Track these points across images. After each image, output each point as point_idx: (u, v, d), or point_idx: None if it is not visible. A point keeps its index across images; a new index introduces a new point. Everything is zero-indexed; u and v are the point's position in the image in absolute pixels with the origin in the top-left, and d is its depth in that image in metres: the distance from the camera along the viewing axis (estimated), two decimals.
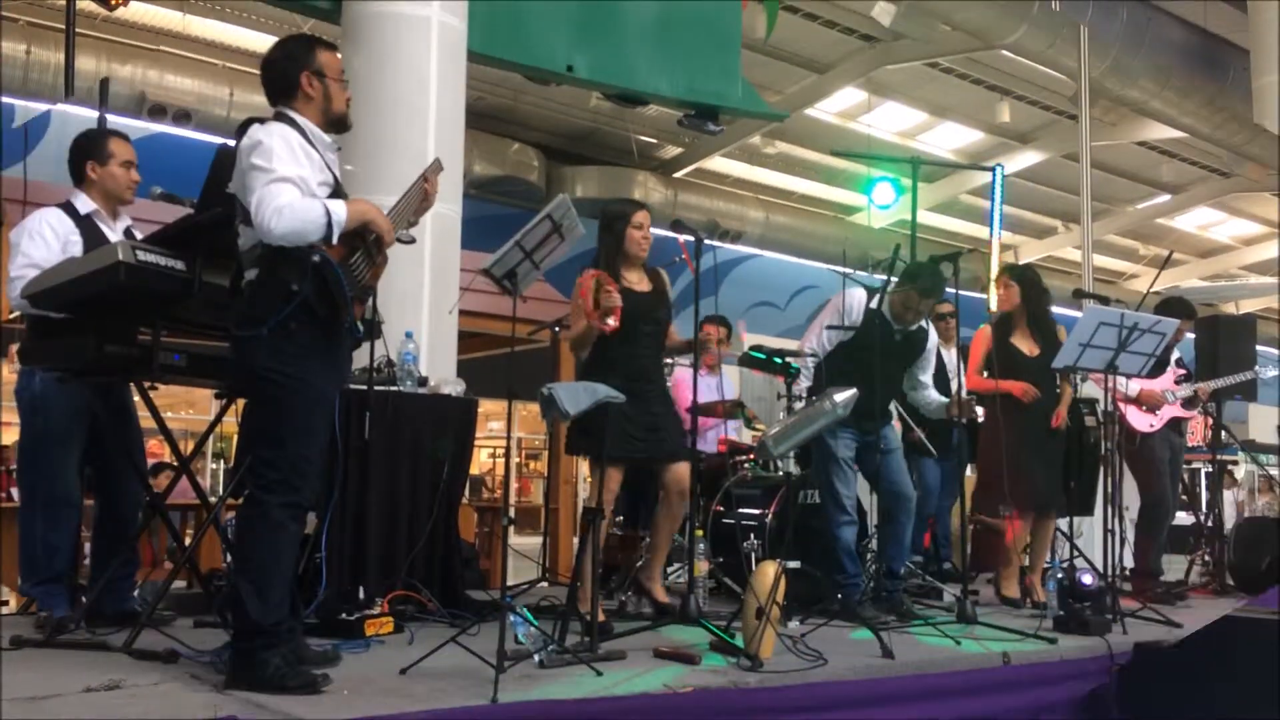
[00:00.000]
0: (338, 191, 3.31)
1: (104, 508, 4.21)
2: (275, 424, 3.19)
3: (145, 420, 4.29)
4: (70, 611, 3.90)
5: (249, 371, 3.21)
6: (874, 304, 5.09)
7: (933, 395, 5.35)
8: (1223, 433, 7.41)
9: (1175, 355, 6.38)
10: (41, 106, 10.51)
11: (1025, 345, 5.57)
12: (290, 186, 3.11)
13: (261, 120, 3.26)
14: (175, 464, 4.91)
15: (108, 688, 2.91)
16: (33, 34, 11.09)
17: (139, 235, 4.00)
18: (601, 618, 4.38)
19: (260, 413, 3.27)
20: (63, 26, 5.06)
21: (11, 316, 5.10)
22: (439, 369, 5.42)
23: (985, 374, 5.55)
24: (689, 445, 4.57)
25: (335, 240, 3.15)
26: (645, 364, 4.56)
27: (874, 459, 5.03)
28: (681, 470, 4.55)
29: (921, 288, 5.00)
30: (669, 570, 5.94)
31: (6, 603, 5.44)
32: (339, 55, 3.43)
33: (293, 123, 3.28)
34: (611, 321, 4.29)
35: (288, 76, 3.32)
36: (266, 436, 3.21)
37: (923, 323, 5.22)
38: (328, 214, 3.12)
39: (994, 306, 5.77)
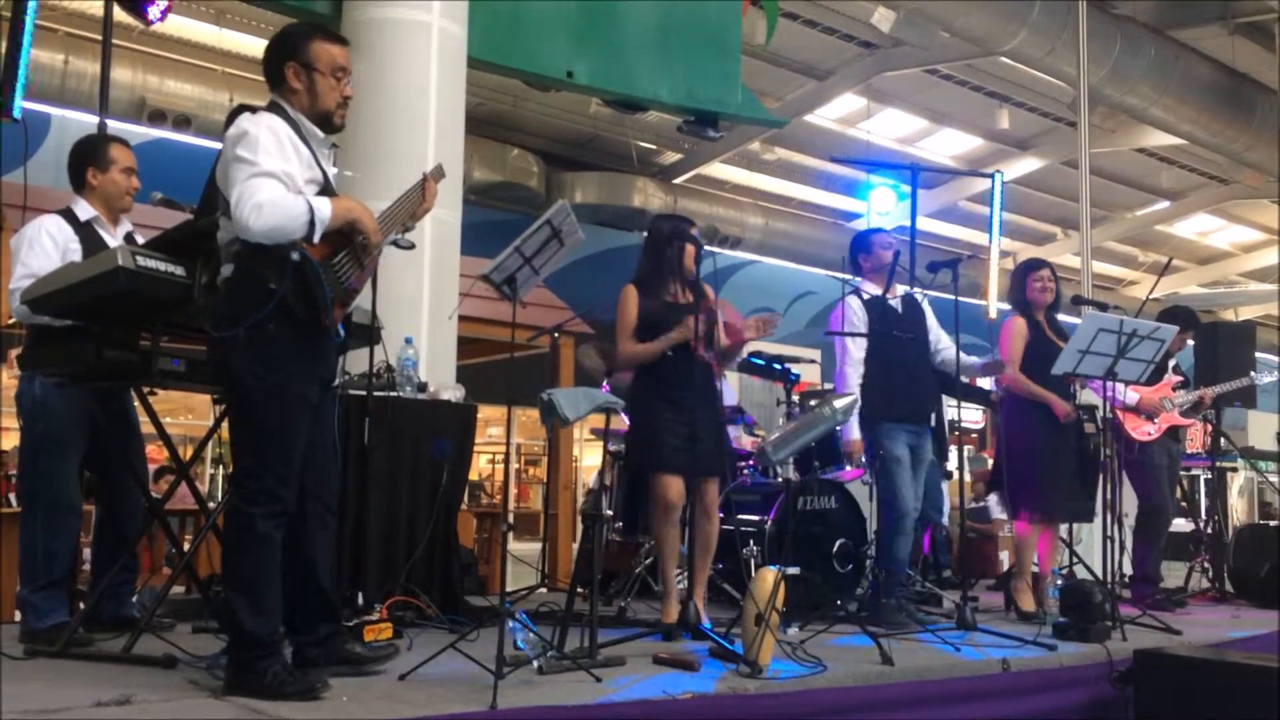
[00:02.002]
0: (326, 190, 3.21)
1: (105, 513, 4.20)
2: (254, 431, 3.11)
3: (144, 425, 4.28)
4: (69, 617, 3.90)
5: (227, 375, 3.12)
6: (864, 296, 5.16)
7: (955, 354, 5.30)
8: (1222, 440, 7.42)
9: (1172, 362, 6.38)
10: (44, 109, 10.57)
11: (1056, 341, 5.56)
12: (273, 182, 3.00)
13: (253, 109, 3.15)
14: (174, 468, 4.91)
15: (118, 702, 2.89)
16: (70, 44, 11.16)
17: (139, 240, 3.99)
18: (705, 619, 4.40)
19: (239, 418, 3.17)
20: (98, 37, 5.07)
21: (10, 322, 5.11)
22: (438, 375, 5.42)
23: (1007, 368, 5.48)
24: (719, 461, 4.50)
25: (317, 239, 3.05)
26: (686, 373, 4.44)
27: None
28: (707, 488, 4.45)
29: (874, 231, 5.36)
30: None
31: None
32: (341, 49, 3.30)
33: (284, 114, 3.18)
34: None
35: (273, 66, 3.24)
36: (246, 444, 3.13)
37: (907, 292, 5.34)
38: (310, 211, 3.02)
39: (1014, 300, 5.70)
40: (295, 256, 3.01)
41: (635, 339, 4.46)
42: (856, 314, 5.12)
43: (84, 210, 4.03)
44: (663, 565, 4.52)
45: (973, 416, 5.78)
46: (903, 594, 5.04)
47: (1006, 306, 5.80)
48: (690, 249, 4.50)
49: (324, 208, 3.05)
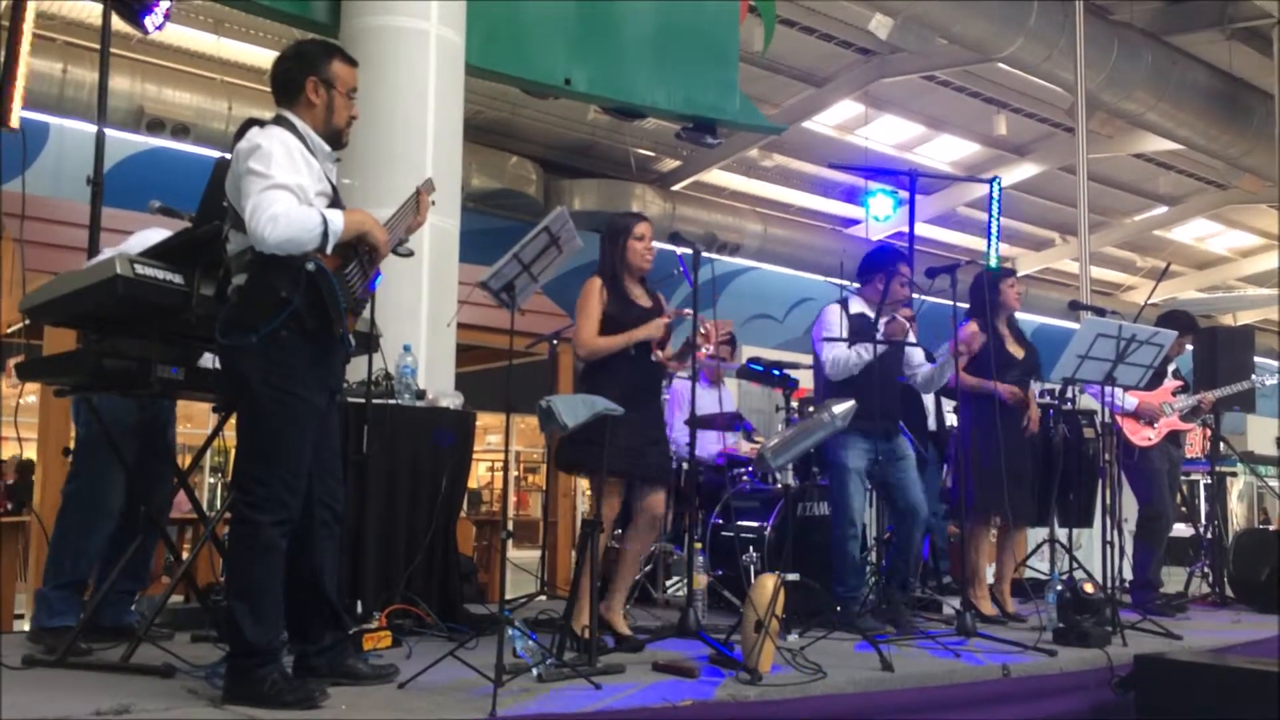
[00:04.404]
0: (335, 202, 3.26)
1: (128, 521, 4.20)
2: (264, 437, 3.12)
3: None
4: (75, 622, 3.91)
5: (236, 382, 3.15)
6: (852, 310, 5.15)
7: (928, 368, 5.32)
8: (1221, 445, 7.41)
9: (1172, 367, 6.38)
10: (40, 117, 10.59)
11: (1012, 347, 5.60)
12: (287, 194, 3.04)
13: (261, 122, 3.20)
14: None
15: (117, 712, 2.89)
16: (69, 53, 11.19)
17: None
18: (627, 631, 4.36)
19: (248, 425, 3.19)
20: (97, 46, 5.10)
21: (10, 331, 5.10)
22: (437, 382, 5.41)
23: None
24: (670, 470, 4.50)
25: (330, 250, 3.10)
26: (646, 378, 4.41)
27: (886, 470, 5.06)
28: (658, 497, 4.40)
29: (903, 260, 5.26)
30: (669, 584, 5.93)
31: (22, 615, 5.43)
32: (354, 71, 3.37)
33: (293, 128, 3.22)
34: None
35: (293, 79, 3.27)
36: (255, 451, 3.14)
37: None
38: (324, 223, 3.07)
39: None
40: (310, 267, 3.07)
41: (597, 333, 4.36)
42: (834, 323, 5.10)
43: None
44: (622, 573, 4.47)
45: None
46: (902, 599, 5.04)
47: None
48: (635, 245, 4.43)
49: (337, 220, 3.11)
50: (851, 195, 17.18)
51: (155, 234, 4.06)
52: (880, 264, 5.23)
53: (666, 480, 4.46)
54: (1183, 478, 7.32)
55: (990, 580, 5.82)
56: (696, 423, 4.53)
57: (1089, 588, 4.79)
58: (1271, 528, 8.91)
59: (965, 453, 5.40)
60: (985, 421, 5.28)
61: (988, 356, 5.27)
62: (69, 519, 4.05)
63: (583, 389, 4.35)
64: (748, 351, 8.54)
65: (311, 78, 3.27)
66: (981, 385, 5.33)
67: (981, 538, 5.63)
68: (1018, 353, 5.60)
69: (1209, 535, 7.31)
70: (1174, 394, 6.32)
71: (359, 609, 4.30)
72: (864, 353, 4.95)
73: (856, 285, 5.32)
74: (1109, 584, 5.03)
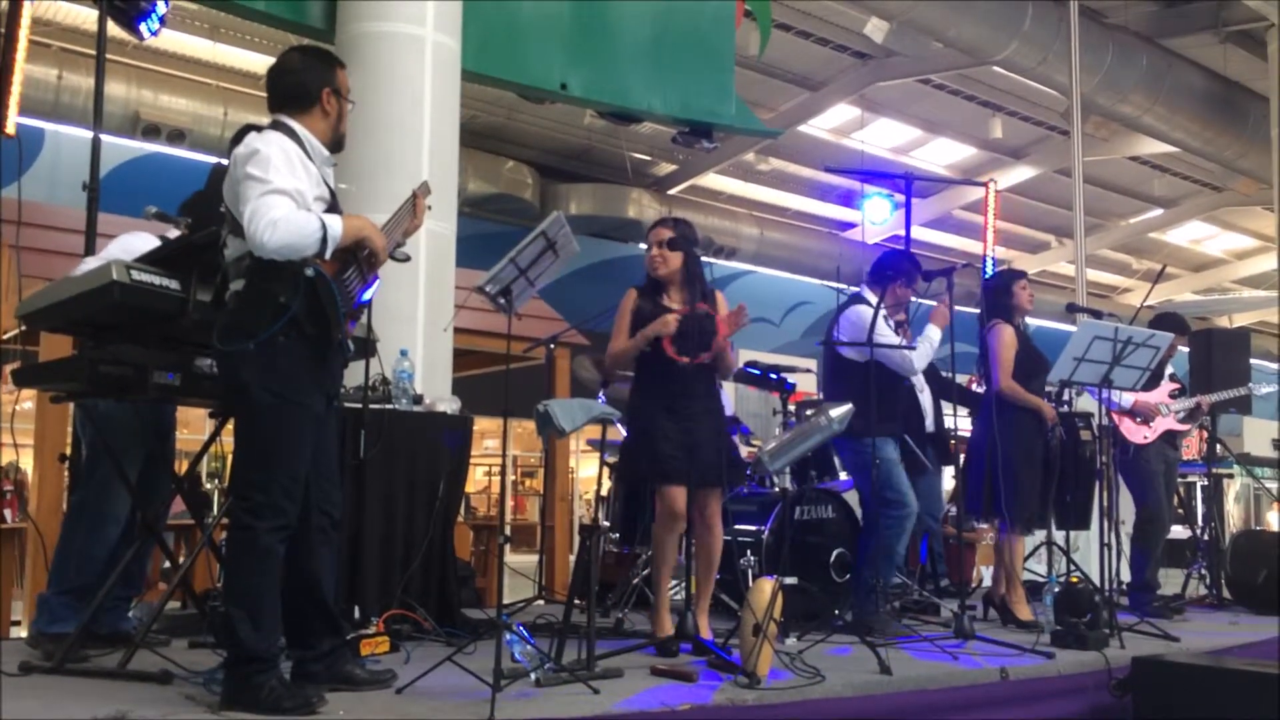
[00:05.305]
0: (333, 207, 3.27)
1: (128, 528, 4.20)
2: (262, 443, 3.12)
3: None
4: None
5: (235, 387, 3.15)
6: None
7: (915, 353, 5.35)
8: (1218, 447, 7.42)
9: (1169, 370, 6.39)
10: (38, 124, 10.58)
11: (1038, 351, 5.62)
12: (286, 199, 3.04)
13: (259, 128, 3.20)
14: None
15: (114, 718, 2.88)
16: (64, 59, 11.18)
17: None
18: (708, 634, 4.33)
19: (246, 431, 3.19)
20: (92, 51, 5.11)
21: (6, 337, 5.10)
22: (434, 387, 5.41)
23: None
24: (729, 474, 4.43)
25: (329, 255, 3.11)
26: (684, 382, 4.36)
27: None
28: (706, 500, 4.38)
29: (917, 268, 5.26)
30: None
31: (19, 622, 5.42)
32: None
33: (292, 133, 3.22)
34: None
35: (307, 89, 3.30)
36: (253, 457, 3.14)
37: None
38: (323, 228, 3.07)
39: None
40: (309, 273, 3.07)
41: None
42: (866, 322, 5.10)
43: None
44: (657, 576, 4.42)
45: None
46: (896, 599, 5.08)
47: None
48: (654, 251, 4.44)
49: (336, 225, 3.11)
50: (848, 199, 17.20)
51: (138, 238, 4.05)
52: (896, 269, 5.25)
53: (713, 483, 4.38)
54: (1180, 480, 7.33)
55: (989, 584, 5.82)
56: None
57: (1074, 580, 4.80)
58: (1270, 529, 8.90)
59: (1005, 461, 5.40)
60: (1015, 429, 5.30)
61: (1027, 362, 5.32)
62: (76, 526, 4.03)
63: (630, 399, 4.47)
64: (744, 355, 8.54)
65: (327, 88, 3.31)
66: (1031, 402, 5.37)
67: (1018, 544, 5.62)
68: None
69: (1206, 537, 7.31)
70: (1171, 396, 6.32)
71: (357, 614, 4.30)
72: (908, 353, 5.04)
73: (849, 287, 5.33)
74: (1106, 586, 5.03)
